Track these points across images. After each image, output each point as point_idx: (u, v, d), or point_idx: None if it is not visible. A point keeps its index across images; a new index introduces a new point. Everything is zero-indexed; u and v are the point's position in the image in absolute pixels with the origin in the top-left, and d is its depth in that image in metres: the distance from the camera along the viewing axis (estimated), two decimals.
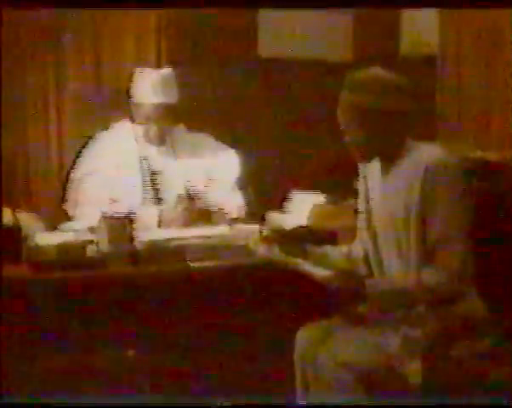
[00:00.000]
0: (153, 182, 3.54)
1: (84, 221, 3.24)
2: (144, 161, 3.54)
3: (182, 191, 3.53)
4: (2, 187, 3.17)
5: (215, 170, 3.60)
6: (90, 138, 3.60)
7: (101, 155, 3.51)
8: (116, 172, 3.48)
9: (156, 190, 3.54)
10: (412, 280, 2.42)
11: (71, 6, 3.88)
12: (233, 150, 3.67)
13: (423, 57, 4.67)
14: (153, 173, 3.54)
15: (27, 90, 4.28)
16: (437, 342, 2.42)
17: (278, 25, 4.75)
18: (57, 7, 3.95)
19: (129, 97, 3.51)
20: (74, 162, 3.58)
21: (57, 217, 3.45)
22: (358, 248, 2.70)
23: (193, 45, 4.50)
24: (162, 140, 3.53)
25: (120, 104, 3.91)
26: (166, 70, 3.57)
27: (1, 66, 3.83)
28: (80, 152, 3.58)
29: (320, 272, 2.46)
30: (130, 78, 3.54)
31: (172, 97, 3.49)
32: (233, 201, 3.54)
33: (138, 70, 3.58)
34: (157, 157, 3.55)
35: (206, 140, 3.66)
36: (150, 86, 3.46)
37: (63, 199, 3.51)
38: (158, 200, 3.53)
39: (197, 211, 3.43)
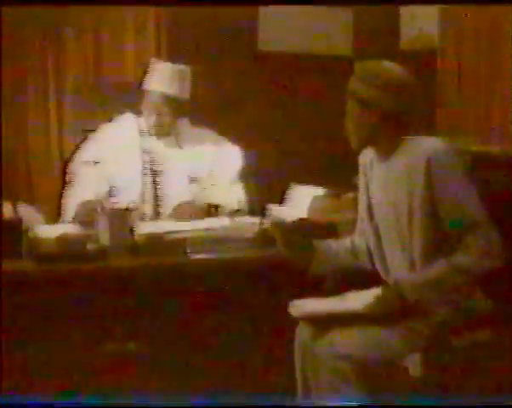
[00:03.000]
0: (154, 175, 3.54)
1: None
2: (145, 154, 3.54)
3: (184, 186, 3.53)
4: (2, 180, 3.17)
5: (217, 164, 3.60)
6: (92, 130, 3.61)
7: (102, 146, 3.52)
8: (116, 163, 3.48)
9: (157, 183, 3.53)
10: (444, 267, 2.38)
11: (71, 2, 3.89)
12: (235, 144, 3.68)
13: (424, 51, 4.67)
14: (154, 166, 3.54)
15: (28, 84, 4.28)
16: (438, 335, 2.42)
17: (278, 20, 4.75)
18: (57, 3, 3.95)
19: (139, 84, 3.53)
20: (75, 151, 3.60)
21: (57, 210, 3.46)
22: (360, 241, 2.70)
23: (193, 39, 4.50)
24: (165, 133, 3.53)
25: (120, 98, 3.92)
26: (182, 66, 3.56)
27: (1, 58, 3.83)
28: (81, 143, 3.60)
29: (355, 305, 2.44)
30: (145, 67, 3.57)
31: (183, 93, 3.51)
32: (234, 195, 3.54)
33: (154, 59, 3.63)
34: (160, 150, 3.55)
35: (208, 135, 3.66)
36: (164, 75, 3.48)
37: (62, 190, 3.52)
38: (157, 193, 3.53)
39: (198, 209, 3.43)
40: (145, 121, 3.51)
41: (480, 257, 2.35)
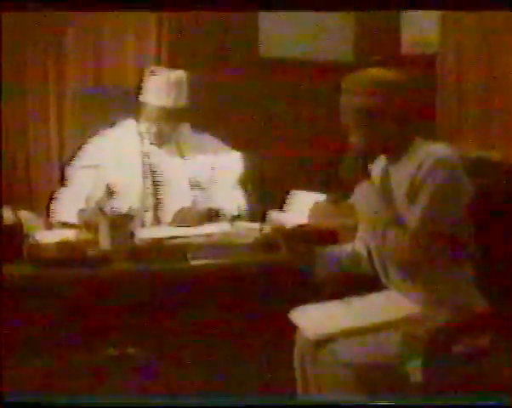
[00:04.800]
0: (154, 180, 3.54)
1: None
2: (146, 160, 3.53)
3: (184, 191, 3.53)
4: (2, 185, 3.17)
5: (217, 170, 3.60)
6: (93, 135, 3.61)
7: (103, 151, 3.52)
8: (117, 168, 3.48)
9: (157, 189, 3.53)
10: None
11: (72, 8, 3.89)
12: (235, 151, 3.67)
13: (424, 57, 4.67)
14: (155, 171, 3.54)
15: (28, 89, 4.28)
16: (438, 340, 2.41)
17: (279, 26, 4.75)
18: (58, 9, 3.95)
19: (137, 94, 3.52)
20: (74, 155, 3.60)
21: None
22: (361, 247, 2.70)
23: (194, 45, 4.49)
24: (165, 140, 3.53)
25: (121, 103, 3.91)
26: (178, 73, 3.52)
27: (1, 65, 3.82)
28: (81, 147, 3.59)
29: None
30: (141, 76, 3.56)
31: (180, 101, 3.49)
32: (234, 200, 3.54)
33: (150, 68, 3.58)
34: (161, 156, 3.55)
35: (209, 140, 3.66)
36: (160, 88, 3.45)
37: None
38: (157, 199, 3.52)
39: (199, 215, 3.42)
40: (146, 130, 3.51)
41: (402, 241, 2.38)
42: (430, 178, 2.36)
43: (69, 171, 3.55)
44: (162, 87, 3.44)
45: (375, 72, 2.49)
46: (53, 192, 3.53)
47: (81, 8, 3.76)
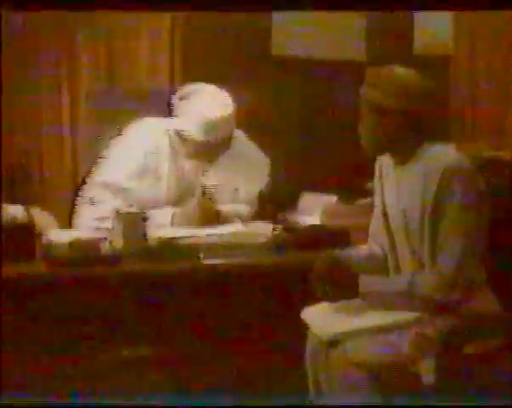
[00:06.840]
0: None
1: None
2: (171, 165, 3.41)
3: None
4: (2, 183, 3.16)
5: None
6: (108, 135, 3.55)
7: (129, 155, 3.36)
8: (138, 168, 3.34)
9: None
10: (404, 286, 2.42)
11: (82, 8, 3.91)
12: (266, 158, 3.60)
13: (437, 57, 4.66)
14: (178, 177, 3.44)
15: (41, 89, 4.30)
16: (450, 341, 2.41)
17: (292, 25, 4.75)
18: (67, 9, 3.96)
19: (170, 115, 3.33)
20: (95, 163, 3.41)
21: (71, 214, 3.45)
22: (376, 248, 2.69)
23: (206, 45, 4.50)
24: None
25: (134, 104, 3.93)
26: (223, 110, 3.33)
27: (1, 64, 3.83)
28: (102, 153, 3.42)
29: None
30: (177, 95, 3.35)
31: (226, 134, 3.34)
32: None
33: (178, 91, 3.37)
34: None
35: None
36: (205, 122, 3.25)
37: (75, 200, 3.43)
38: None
39: (211, 211, 3.37)
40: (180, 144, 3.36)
41: (440, 282, 2.37)
42: (447, 197, 2.37)
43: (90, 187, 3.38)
44: (206, 121, 3.24)
45: (401, 72, 2.47)
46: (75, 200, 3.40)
47: (94, 8, 3.80)
